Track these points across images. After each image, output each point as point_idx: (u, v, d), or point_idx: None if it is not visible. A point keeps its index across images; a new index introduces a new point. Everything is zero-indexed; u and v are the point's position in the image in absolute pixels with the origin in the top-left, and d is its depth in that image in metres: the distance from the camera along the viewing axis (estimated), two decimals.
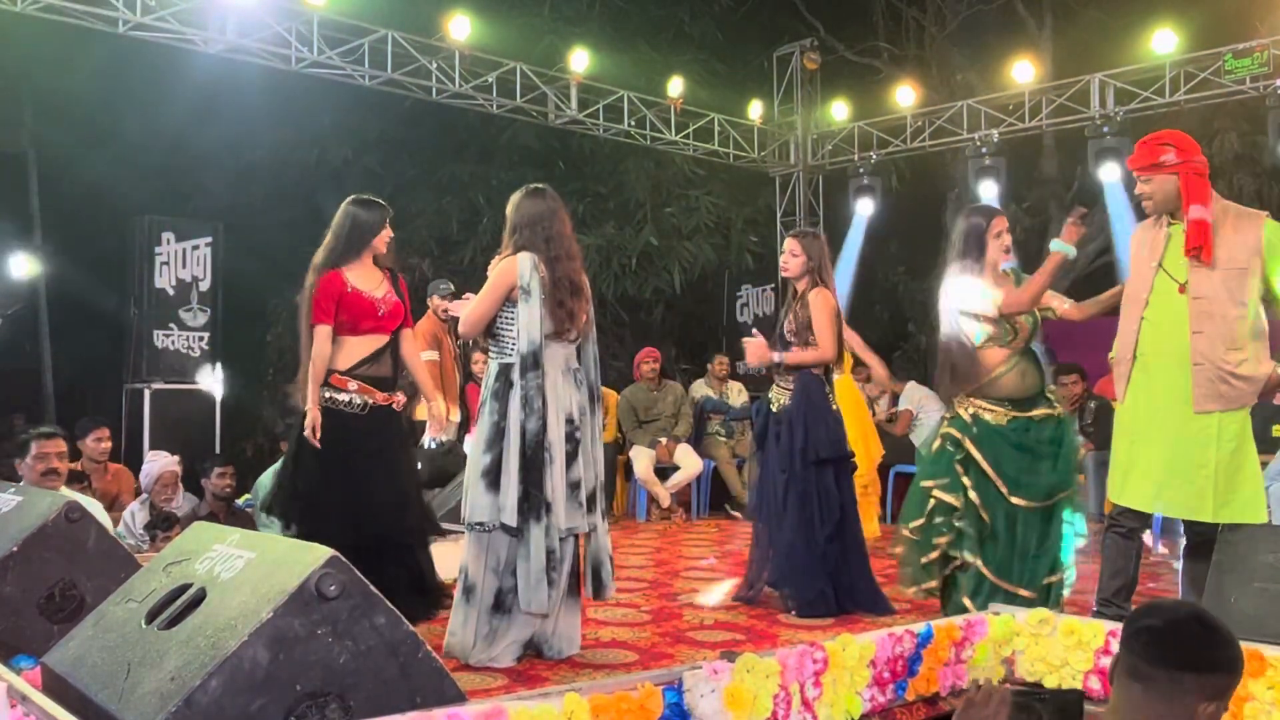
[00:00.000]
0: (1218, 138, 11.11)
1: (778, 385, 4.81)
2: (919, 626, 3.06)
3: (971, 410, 4.14)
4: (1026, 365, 4.14)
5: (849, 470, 4.82)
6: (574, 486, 3.71)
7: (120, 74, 9.77)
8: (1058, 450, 4.10)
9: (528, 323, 3.70)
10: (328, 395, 4.27)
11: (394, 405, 4.39)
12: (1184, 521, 3.93)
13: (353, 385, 4.28)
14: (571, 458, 3.71)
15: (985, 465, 4.06)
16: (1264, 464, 6.12)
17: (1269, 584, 3.31)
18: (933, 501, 4.14)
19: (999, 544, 4.05)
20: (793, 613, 4.52)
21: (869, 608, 4.55)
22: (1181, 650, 1.75)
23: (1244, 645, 2.78)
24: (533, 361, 3.69)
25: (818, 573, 4.54)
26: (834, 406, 4.78)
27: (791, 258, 4.81)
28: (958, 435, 4.14)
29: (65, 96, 10.64)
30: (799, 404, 4.70)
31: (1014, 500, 4.02)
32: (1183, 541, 4.12)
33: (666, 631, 4.22)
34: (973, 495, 4.06)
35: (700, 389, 8.92)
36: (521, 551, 3.63)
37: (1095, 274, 12.35)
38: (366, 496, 4.21)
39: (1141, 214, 4.12)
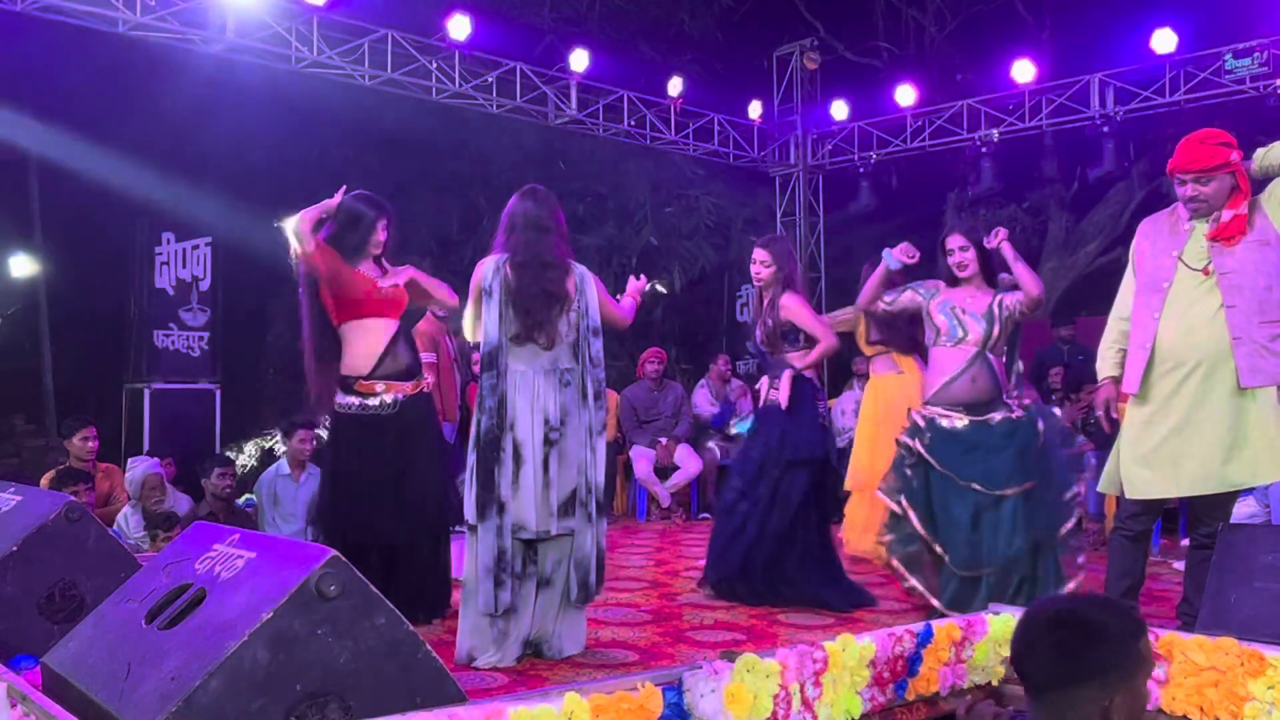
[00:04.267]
0: None
1: (769, 385, 4.89)
2: (919, 626, 3.06)
3: (927, 416, 4.32)
4: (979, 372, 4.26)
5: (825, 473, 4.85)
6: (547, 489, 3.68)
7: (120, 74, 9.76)
8: (1009, 443, 4.19)
9: (487, 324, 3.72)
10: (357, 402, 4.22)
11: (424, 389, 4.38)
12: (1189, 521, 3.93)
13: (380, 386, 4.23)
14: (548, 460, 3.68)
15: (934, 463, 4.21)
16: None
17: (1269, 584, 3.30)
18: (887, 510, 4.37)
19: (960, 533, 4.16)
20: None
21: (842, 606, 4.59)
22: (1069, 666, 1.78)
23: (1244, 645, 2.78)
24: (489, 362, 3.69)
25: (732, 559, 4.72)
26: (820, 407, 4.84)
27: (764, 268, 4.86)
28: (909, 440, 4.31)
29: (65, 96, 10.63)
30: (782, 407, 4.75)
31: (973, 486, 4.15)
32: (1184, 542, 4.13)
33: (666, 631, 4.22)
34: (915, 504, 4.22)
35: (702, 398, 8.80)
36: (477, 549, 3.64)
37: (1095, 273, 12.37)
38: (402, 497, 4.20)
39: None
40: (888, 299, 4.54)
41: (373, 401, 4.22)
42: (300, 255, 4.11)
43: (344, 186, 4.27)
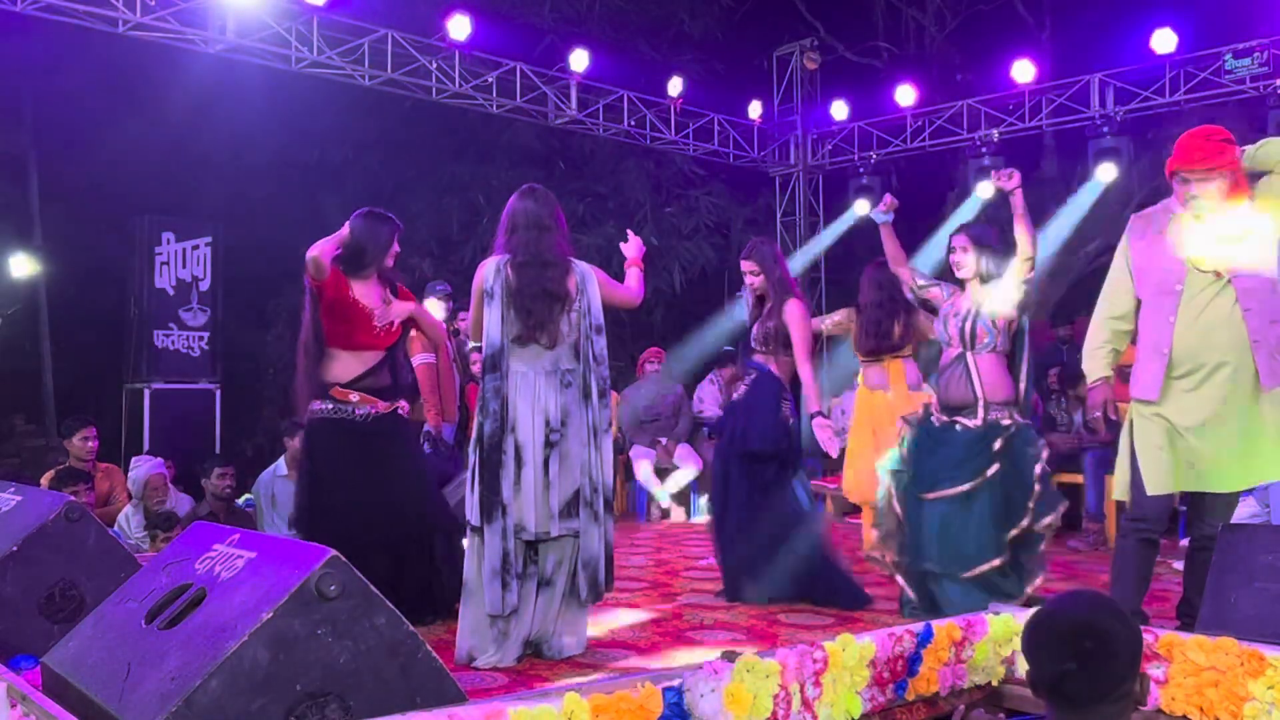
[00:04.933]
0: None
1: (742, 386, 4.91)
2: (919, 626, 3.06)
3: (927, 407, 4.44)
4: (953, 376, 4.32)
5: (796, 467, 4.80)
6: (548, 490, 3.67)
7: (120, 74, 9.78)
8: (952, 449, 4.24)
9: (488, 325, 3.72)
10: (330, 406, 4.26)
11: (399, 411, 4.39)
12: (1188, 520, 3.90)
13: (354, 396, 4.27)
14: (549, 461, 3.68)
15: (905, 454, 4.37)
16: None
17: (1269, 584, 3.30)
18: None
19: (911, 529, 4.31)
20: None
21: (845, 604, 4.59)
22: (1108, 677, 1.81)
23: (1244, 645, 2.79)
24: (491, 364, 3.69)
25: (744, 563, 4.70)
26: (783, 407, 4.75)
27: (754, 277, 4.88)
28: (903, 428, 4.47)
29: (65, 96, 10.64)
30: (744, 399, 4.80)
31: (910, 481, 4.31)
32: (1183, 542, 4.10)
33: (666, 631, 4.22)
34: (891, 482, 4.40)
35: (709, 395, 8.79)
36: (481, 551, 3.64)
37: (1094, 273, 12.36)
38: (375, 501, 4.20)
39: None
40: (921, 281, 4.59)
41: (345, 407, 4.26)
42: (313, 281, 4.19)
43: (348, 223, 4.34)
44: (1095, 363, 3.95)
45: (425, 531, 4.35)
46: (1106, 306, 3.97)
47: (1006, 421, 4.23)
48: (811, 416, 4.66)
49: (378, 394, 4.32)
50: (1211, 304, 3.69)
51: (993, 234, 4.44)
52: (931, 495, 4.24)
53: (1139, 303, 3.88)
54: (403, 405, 4.43)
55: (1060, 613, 1.90)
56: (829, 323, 6.19)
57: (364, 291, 4.33)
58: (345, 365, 4.29)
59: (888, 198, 4.67)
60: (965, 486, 4.17)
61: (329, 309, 4.25)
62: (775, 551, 4.65)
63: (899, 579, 4.40)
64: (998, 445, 4.18)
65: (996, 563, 4.12)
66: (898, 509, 4.37)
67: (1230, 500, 3.85)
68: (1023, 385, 4.33)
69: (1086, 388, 3.97)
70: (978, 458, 4.19)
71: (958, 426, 4.28)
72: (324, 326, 4.28)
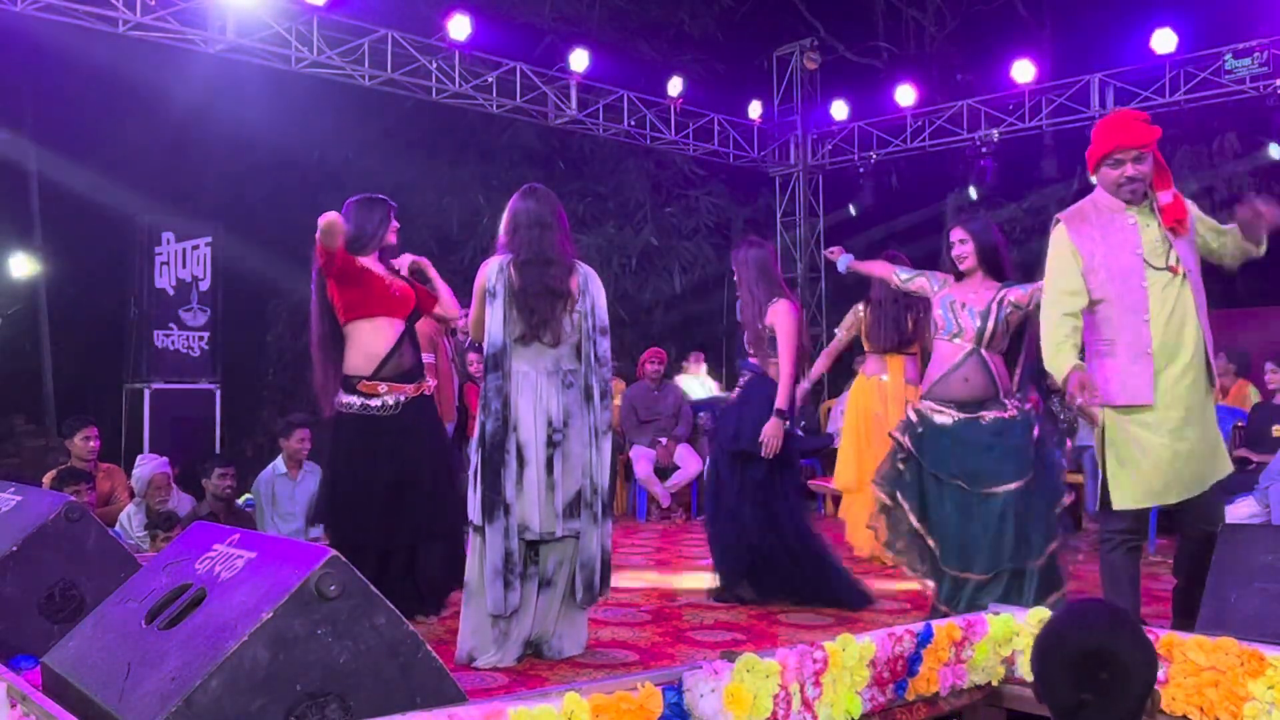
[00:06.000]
0: (1217, 138, 11.14)
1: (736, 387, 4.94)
2: (919, 626, 3.06)
3: (920, 411, 4.30)
4: (972, 370, 4.21)
5: (790, 465, 4.77)
6: (551, 490, 3.67)
7: (120, 74, 9.77)
8: (997, 441, 4.13)
9: (490, 325, 3.71)
10: (359, 402, 4.22)
11: (425, 391, 4.38)
12: (1183, 519, 3.84)
13: (383, 388, 4.23)
14: (551, 461, 3.68)
15: (923, 462, 4.20)
16: (1263, 464, 6.09)
17: (1269, 584, 3.30)
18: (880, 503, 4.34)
19: (948, 529, 4.14)
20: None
21: (847, 605, 4.57)
22: (1129, 706, 1.77)
23: (1244, 645, 2.78)
24: (493, 363, 3.69)
25: (738, 562, 4.68)
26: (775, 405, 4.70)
27: (734, 271, 4.94)
28: (900, 436, 4.29)
29: (65, 96, 10.64)
30: (738, 400, 4.84)
31: (954, 483, 4.13)
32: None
33: (666, 631, 4.22)
34: (908, 496, 4.21)
35: (693, 387, 8.90)
36: (483, 551, 3.64)
37: None
38: (407, 497, 4.20)
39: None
40: (903, 275, 4.55)
41: (374, 402, 4.22)
42: (323, 252, 4.12)
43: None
44: (1062, 358, 3.74)
45: (442, 529, 4.34)
46: (1059, 305, 3.79)
47: (1029, 405, 4.21)
48: (775, 412, 4.64)
49: (404, 378, 4.28)
50: (1177, 300, 3.62)
51: (991, 227, 4.42)
52: (991, 490, 4.09)
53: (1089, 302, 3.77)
54: (428, 384, 4.41)
55: (1072, 637, 1.80)
56: (843, 331, 6.26)
57: (371, 263, 4.32)
58: (369, 344, 4.23)
59: (831, 251, 4.97)
60: (1028, 478, 4.08)
61: (340, 279, 4.20)
62: (769, 552, 4.64)
63: (926, 584, 4.27)
64: (1037, 431, 4.15)
65: (1057, 544, 4.06)
66: (914, 521, 4.20)
67: (1218, 500, 3.81)
68: (1018, 376, 4.30)
69: (1060, 381, 3.82)
70: (1027, 446, 4.13)
71: (984, 420, 4.17)
72: (338, 303, 4.25)
